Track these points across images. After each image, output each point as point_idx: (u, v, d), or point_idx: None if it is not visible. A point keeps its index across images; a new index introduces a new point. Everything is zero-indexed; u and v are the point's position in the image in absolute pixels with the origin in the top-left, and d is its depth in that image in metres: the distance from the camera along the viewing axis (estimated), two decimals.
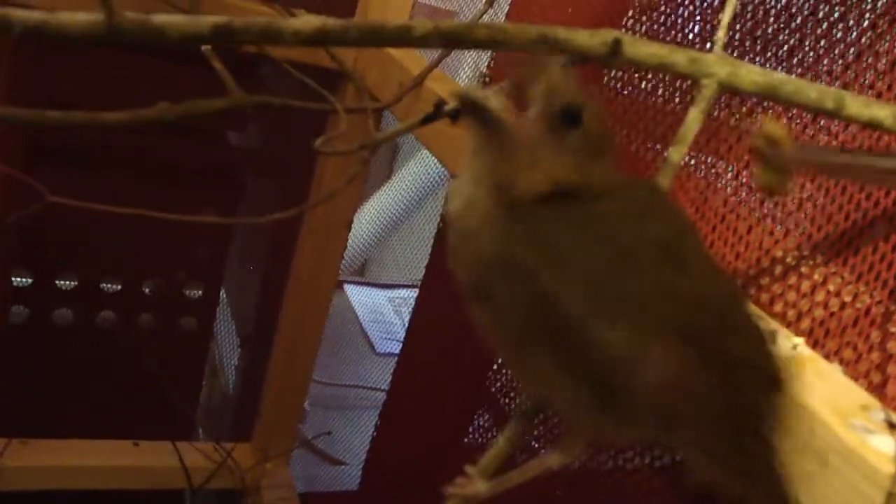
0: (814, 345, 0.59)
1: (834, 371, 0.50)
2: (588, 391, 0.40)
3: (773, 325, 0.54)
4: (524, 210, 0.41)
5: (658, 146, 0.76)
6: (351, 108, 0.88)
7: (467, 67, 1.38)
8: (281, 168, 1.39)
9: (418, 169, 1.97)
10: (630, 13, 0.89)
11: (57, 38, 0.39)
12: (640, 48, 0.42)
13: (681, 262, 0.40)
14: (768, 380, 0.42)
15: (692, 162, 0.71)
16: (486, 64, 1.07)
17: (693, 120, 0.43)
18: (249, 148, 1.37)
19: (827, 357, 0.58)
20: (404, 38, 0.40)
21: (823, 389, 0.47)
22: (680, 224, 0.43)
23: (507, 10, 1.05)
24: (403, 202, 1.99)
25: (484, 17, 0.89)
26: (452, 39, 0.40)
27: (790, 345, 0.52)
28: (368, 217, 1.98)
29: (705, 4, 0.77)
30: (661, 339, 0.38)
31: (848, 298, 0.60)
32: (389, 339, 1.88)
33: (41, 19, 0.39)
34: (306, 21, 0.40)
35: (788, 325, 0.62)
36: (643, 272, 0.39)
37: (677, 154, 0.43)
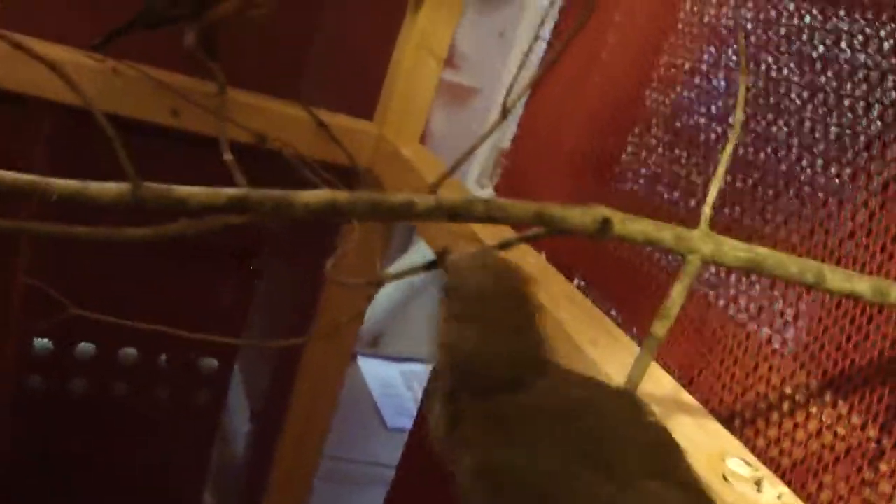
0: (800, 488, 0.60)
1: None
2: None
3: (761, 471, 0.55)
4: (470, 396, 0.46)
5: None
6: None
7: (478, 165, 1.43)
8: (299, 247, 1.42)
9: None
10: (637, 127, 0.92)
11: (89, 205, 0.43)
12: (629, 225, 0.44)
13: (610, 468, 0.39)
14: None
15: None
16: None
17: (678, 295, 0.45)
18: (267, 228, 1.40)
19: (812, 501, 0.59)
20: (408, 212, 0.43)
21: None
22: (631, 429, 0.42)
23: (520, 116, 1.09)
24: (420, 275, 2.01)
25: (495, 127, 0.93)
26: (454, 214, 0.43)
27: (775, 493, 0.53)
28: (384, 288, 2.00)
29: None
30: None
31: (840, 433, 0.61)
32: (401, 413, 1.89)
33: (76, 188, 0.42)
34: (317, 194, 0.43)
35: (772, 464, 0.62)
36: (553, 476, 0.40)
37: (661, 329, 0.45)
